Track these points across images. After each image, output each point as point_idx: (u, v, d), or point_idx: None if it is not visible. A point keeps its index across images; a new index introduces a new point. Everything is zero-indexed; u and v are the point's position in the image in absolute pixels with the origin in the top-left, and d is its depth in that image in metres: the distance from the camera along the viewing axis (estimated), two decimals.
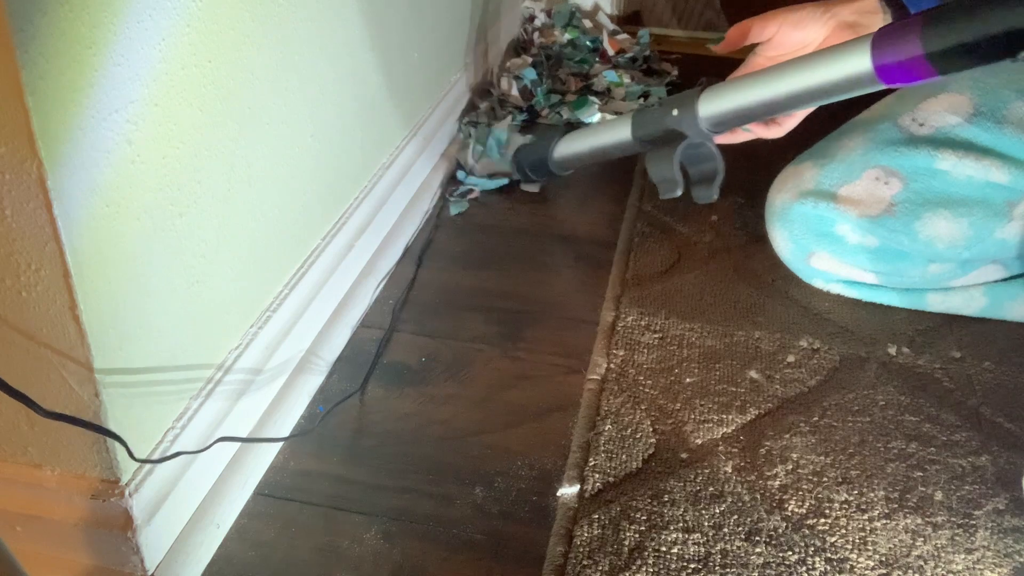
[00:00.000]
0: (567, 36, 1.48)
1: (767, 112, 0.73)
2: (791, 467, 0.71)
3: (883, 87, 0.62)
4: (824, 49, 0.66)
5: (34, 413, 0.48)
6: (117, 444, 0.54)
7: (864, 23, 0.71)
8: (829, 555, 0.63)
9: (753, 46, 0.79)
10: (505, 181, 1.13)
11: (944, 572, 0.62)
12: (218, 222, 0.63)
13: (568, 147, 0.97)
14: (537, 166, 1.03)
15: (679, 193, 0.77)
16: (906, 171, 0.83)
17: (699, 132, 0.77)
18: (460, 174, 1.14)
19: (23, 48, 0.43)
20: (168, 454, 0.59)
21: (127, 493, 0.56)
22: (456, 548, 0.65)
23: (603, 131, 0.92)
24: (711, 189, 0.78)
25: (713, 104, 0.75)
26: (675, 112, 0.78)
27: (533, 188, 1.15)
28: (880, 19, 0.71)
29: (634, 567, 0.62)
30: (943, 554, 0.64)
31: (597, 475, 0.70)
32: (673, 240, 1.01)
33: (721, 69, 1.49)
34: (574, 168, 1.02)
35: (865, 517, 0.66)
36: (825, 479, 0.70)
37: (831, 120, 0.93)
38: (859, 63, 0.63)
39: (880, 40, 0.61)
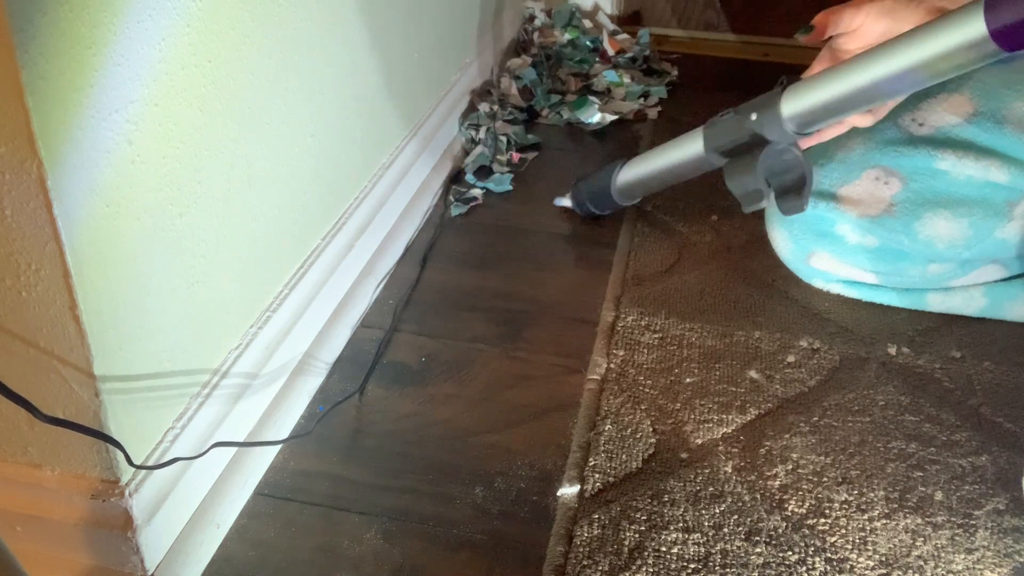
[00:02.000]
0: (567, 36, 1.48)
1: (864, 101, 0.67)
2: (791, 467, 0.71)
3: (1001, 55, 0.56)
4: (926, 23, 0.60)
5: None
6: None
7: (955, 8, 0.67)
8: (829, 555, 0.63)
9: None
10: (509, 188, 1.13)
11: (944, 572, 0.62)
12: (218, 222, 0.63)
13: (632, 172, 0.93)
14: (599, 198, 0.98)
15: (765, 205, 0.72)
16: (906, 171, 0.83)
17: (783, 135, 0.71)
18: (469, 178, 1.14)
19: (23, 48, 0.43)
20: (167, 455, 0.59)
21: (127, 493, 0.56)
22: (456, 548, 0.65)
23: (671, 150, 0.86)
24: (800, 199, 0.73)
25: (800, 101, 0.70)
26: (754, 116, 0.72)
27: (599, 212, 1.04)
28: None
29: (634, 567, 0.62)
30: (943, 554, 0.64)
31: (597, 475, 0.70)
32: (673, 240, 1.01)
33: (719, 68, 1.48)
34: (641, 196, 0.97)
35: (865, 517, 0.66)
36: (825, 479, 0.70)
37: None
38: (969, 31, 0.57)
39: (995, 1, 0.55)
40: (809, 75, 0.77)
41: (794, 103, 0.70)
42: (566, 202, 1.06)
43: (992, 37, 0.56)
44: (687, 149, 0.83)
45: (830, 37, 0.75)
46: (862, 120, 0.75)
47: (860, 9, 0.71)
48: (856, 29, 0.72)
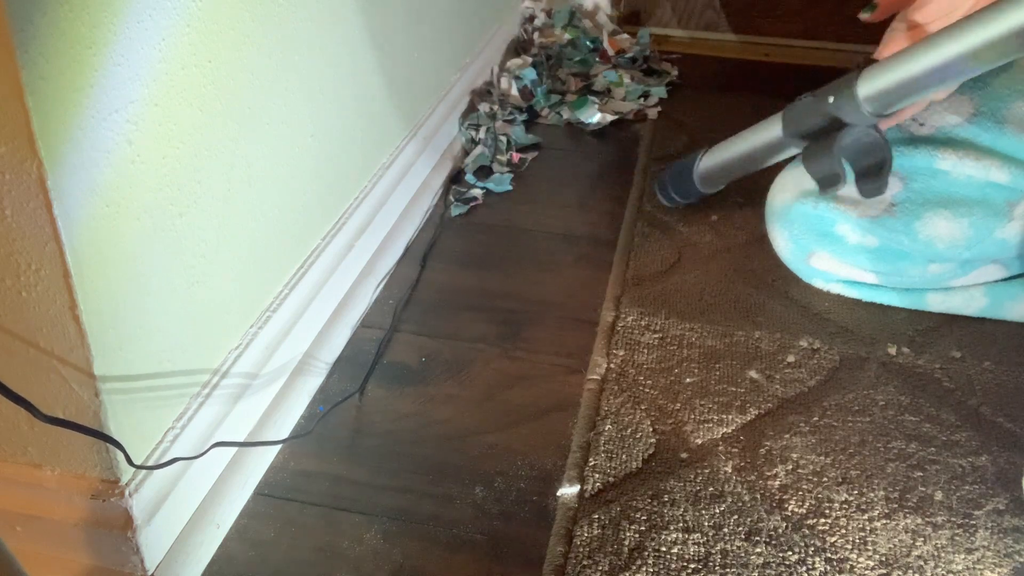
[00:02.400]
0: (567, 36, 1.48)
1: (941, 80, 0.66)
2: (791, 467, 0.71)
3: None
4: None
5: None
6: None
7: None
8: (829, 555, 0.63)
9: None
10: (509, 188, 1.13)
11: (944, 572, 0.62)
12: (218, 222, 0.63)
13: (714, 159, 0.94)
14: (683, 186, 0.99)
15: (842, 187, 0.71)
16: (906, 171, 0.83)
17: (861, 117, 0.71)
18: (469, 178, 1.14)
19: (23, 48, 0.43)
20: (167, 455, 0.59)
21: (127, 493, 0.56)
22: (456, 548, 0.65)
23: (750, 135, 0.87)
24: (879, 181, 0.72)
25: (877, 82, 0.69)
26: (831, 99, 0.72)
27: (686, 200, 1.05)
28: None
29: (634, 567, 0.62)
30: (943, 554, 0.64)
31: (597, 475, 0.70)
32: (673, 240, 1.01)
33: (719, 68, 1.48)
34: (724, 183, 0.98)
35: (865, 517, 0.66)
36: (825, 479, 0.70)
37: None
38: None
39: None
40: (882, 53, 0.75)
41: (870, 84, 0.70)
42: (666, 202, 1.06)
43: None
44: (766, 134, 0.83)
45: (893, 15, 0.73)
46: (938, 95, 0.74)
47: None
48: (918, 5, 0.70)
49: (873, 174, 0.73)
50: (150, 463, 0.58)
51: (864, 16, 0.73)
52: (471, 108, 1.26)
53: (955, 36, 0.64)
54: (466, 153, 1.19)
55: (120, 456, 0.54)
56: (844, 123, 0.71)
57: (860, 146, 0.72)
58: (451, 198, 1.10)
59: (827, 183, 0.72)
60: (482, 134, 1.19)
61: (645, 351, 0.83)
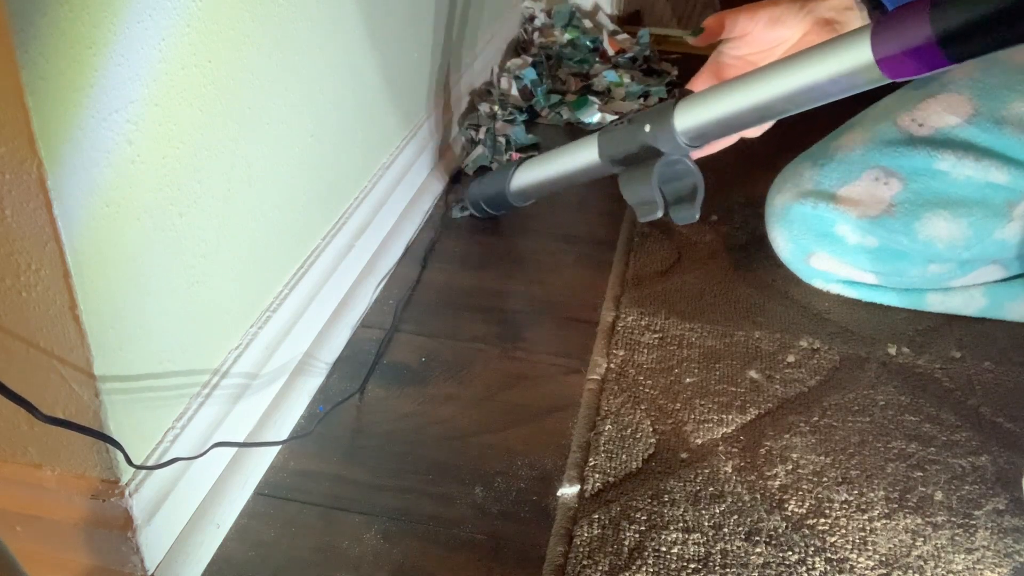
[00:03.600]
0: (567, 36, 1.48)
1: (756, 119, 0.68)
2: (791, 467, 0.71)
3: (885, 81, 0.58)
4: (816, 45, 0.61)
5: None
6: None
7: (841, 20, 0.69)
8: (829, 555, 0.63)
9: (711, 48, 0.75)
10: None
11: (944, 572, 0.62)
12: (218, 222, 0.63)
13: (527, 176, 0.92)
14: (494, 199, 0.98)
15: (660, 215, 0.72)
16: (905, 171, 0.83)
17: (677, 147, 0.72)
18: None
19: (23, 48, 0.43)
20: (167, 455, 0.59)
21: (127, 493, 0.56)
22: (456, 548, 0.65)
23: (565, 155, 0.86)
24: (692, 208, 0.73)
25: (692, 116, 0.70)
26: (647, 128, 0.72)
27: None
28: (857, 16, 0.69)
29: (634, 567, 0.62)
30: (943, 554, 0.64)
31: (597, 475, 0.70)
32: (673, 240, 1.01)
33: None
34: (536, 198, 0.98)
35: (865, 517, 0.66)
36: (825, 479, 0.70)
37: (830, 120, 0.93)
38: (857, 57, 0.58)
39: (882, 29, 0.56)
40: (696, 83, 0.76)
41: (687, 118, 0.70)
42: (461, 213, 1.06)
43: (879, 65, 0.57)
44: (582, 156, 0.82)
45: (720, 41, 0.74)
46: (752, 132, 0.74)
47: (754, 15, 0.70)
48: (746, 35, 0.72)
49: (687, 200, 0.74)
50: (150, 463, 0.58)
51: (689, 39, 0.74)
52: (471, 108, 1.26)
53: (772, 78, 0.64)
54: (466, 153, 1.19)
55: (120, 456, 0.54)
56: (660, 152, 0.72)
57: (673, 173, 0.74)
58: (451, 198, 1.10)
59: (644, 210, 0.73)
60: (482, 134, 1.19)
61: (645, 351, 0.83)
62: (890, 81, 0.58)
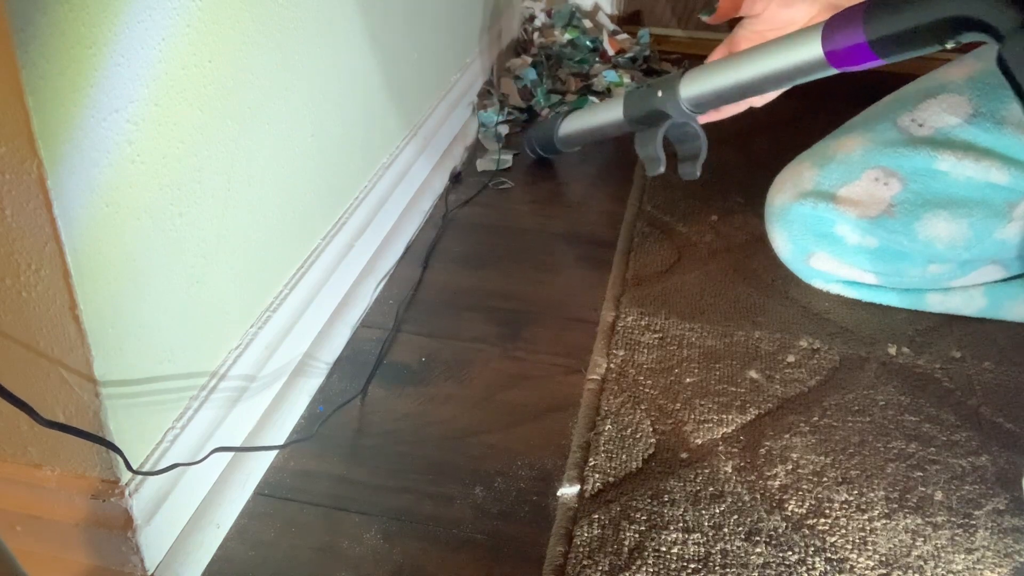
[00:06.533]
0: (567, 36, 1.48)
1: (740, 94, 0.77)
2: (791, 467, 0.71)
3: (835, 71, 0.68)
4: (782, 36, 0.71)
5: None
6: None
7: (847, 4, 0.72)
8: (829, 555, 0.63)
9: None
10: (507, 164, 1.17)
11: (944, 572, 0.62)
12: (218, 222, 0.63)
13: (571, 125, 1.06)
14: (545, 143, 1.12)
15: (662, 170, 0.83)
16: (905, 172, 0.83)
17: (682, 112, 0.82)
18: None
19: (23, 48, 0.43)
20: (167, 455, 0.59)
21: (127, 493, 0.56)
22: (456, 548, 0.65)
23: (600, 111, 0.99)
24: (694, 167, 0.84)
25: (693, 86, 0.80)
26: (660, 93, 0.83)
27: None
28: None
29: (634, 567, 0.62)
30: (943, 554, 0.64)
31: (597, 475, 0.70)
32: (673, 240, 1.01)
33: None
34: (578, 146, 1.12)
35: (865, 517, 0.66)
36: (825, 479, 0.70)
37: (830, 120, 0.93)
38: (811, 50, 0.68)
39: (829, 28, 0.66)
40: (712, 56, 0.83)
41: (690, 87, 0.80)
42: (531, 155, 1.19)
43: (826, 58, 0.67)
44: (611, 113, 0.94)
45: (736, 19, 0.80)
46: (757, 101, 0.82)
47: None
48: (759, 14, 0.77)
49: (691, 159, 0.84)
50: (150, 464, 0.58)
51: (703, 18, 0.82)
52: (471, 108, 1.26)
53: (756, 59, 0.74)
54: (467, 153, 1.19)
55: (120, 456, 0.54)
56: (668, 116, 0.82)
57: (684, 135, 0.84)
58: (451, 198, 1.10)
59: (650, 165, 0.83)
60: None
61: (645, 351, 0.83)
62: (837, 72, 0.68)
